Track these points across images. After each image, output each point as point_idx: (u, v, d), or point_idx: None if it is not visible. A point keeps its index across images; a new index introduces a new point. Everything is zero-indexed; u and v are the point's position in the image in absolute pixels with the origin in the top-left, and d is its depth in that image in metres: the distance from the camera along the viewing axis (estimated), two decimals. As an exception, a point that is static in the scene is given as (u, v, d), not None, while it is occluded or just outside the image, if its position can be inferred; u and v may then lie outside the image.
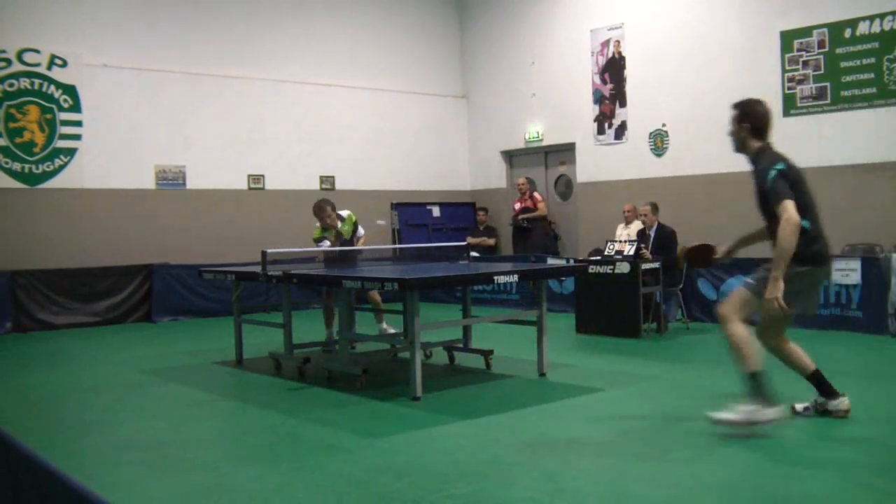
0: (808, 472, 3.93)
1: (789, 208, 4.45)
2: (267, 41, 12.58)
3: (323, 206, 8.14)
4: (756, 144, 4.77)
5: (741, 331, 4.57)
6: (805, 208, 4.59)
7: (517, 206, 12.90)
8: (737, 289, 4.92)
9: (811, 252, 4.62)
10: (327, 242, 8.19)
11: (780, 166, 4.61)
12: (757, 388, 4.45)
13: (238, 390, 6.56)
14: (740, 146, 4.85)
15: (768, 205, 4.60)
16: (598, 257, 9.06)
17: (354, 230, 8.35)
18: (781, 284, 4.47)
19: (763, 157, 4.70)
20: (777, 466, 4.03)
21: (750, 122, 4.77)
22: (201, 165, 11.91)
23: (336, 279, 6.21)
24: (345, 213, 8.37)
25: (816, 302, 4.95)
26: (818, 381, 4.84)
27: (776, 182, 4.53)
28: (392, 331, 8.36)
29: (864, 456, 4.21)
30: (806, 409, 4.90)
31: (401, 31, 14.08)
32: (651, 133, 11.71)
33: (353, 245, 8.29)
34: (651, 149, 11.71)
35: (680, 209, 10.55)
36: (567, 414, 5.33)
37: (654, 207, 9.24)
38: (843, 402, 4.82)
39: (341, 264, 8.00)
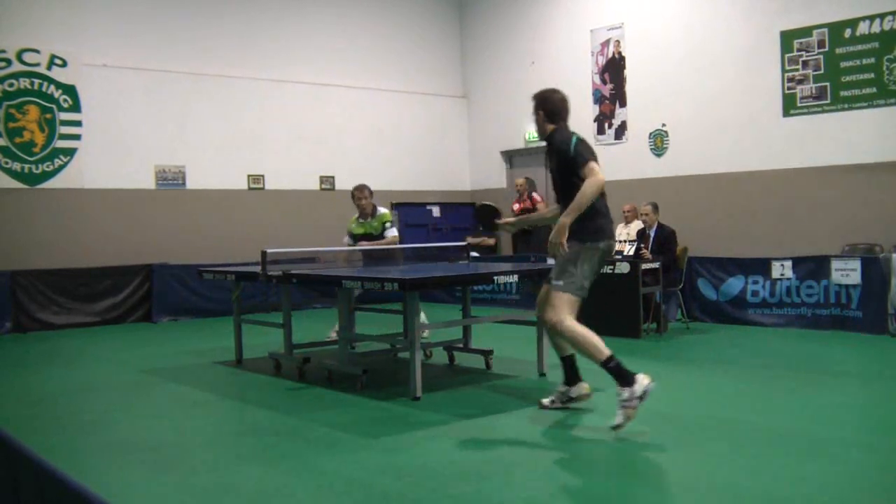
0: (807, 473, 3.93)
1: (596, 169, 4.64)
2: (267, 41, 12.59)
3: (356, 190, 8.36)
4: (550, 126, 5.03)
5: (578, 327, 4.72)
6: None
7: (516, 206, 12.88)
8: (554, 295, 4.82)
9: (602, 228, 4.82)
10: (347, 239, 8.40)
11: (577, 136, 4.88)
12: (617, 370, 4.63)
13: (238, 390, 6.56)
14: (541, 132, 5.10)
15: (569, 173, 4.76)
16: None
17: (383, 230, 8.36)
18: (567, 231, 4.61)
19: (558, 133, 4.94)
20: (777, 465, 4.02)
21: (544, 108, 5.04)
22: (201, 165, 11.92)
23: (336, 279, 6.21)
24: (383, 210, 8.48)
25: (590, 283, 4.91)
26: (570, 365, 5.18)
27: (578, 147, 4.77)
28: None
29: (865, 457, 4.21)
30: (552, 402, 5.24)
31: (401, 30, 14.09)
32: (651, 133, 11.70)
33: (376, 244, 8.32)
34: (651, 149, 11.71)
35: (680, 209, 10.54)
36: (567, 414, 5.33)
37: (655, 207, 9.24)
38: (582, 387, 5.22)
39: (340, 264, 8.08)
